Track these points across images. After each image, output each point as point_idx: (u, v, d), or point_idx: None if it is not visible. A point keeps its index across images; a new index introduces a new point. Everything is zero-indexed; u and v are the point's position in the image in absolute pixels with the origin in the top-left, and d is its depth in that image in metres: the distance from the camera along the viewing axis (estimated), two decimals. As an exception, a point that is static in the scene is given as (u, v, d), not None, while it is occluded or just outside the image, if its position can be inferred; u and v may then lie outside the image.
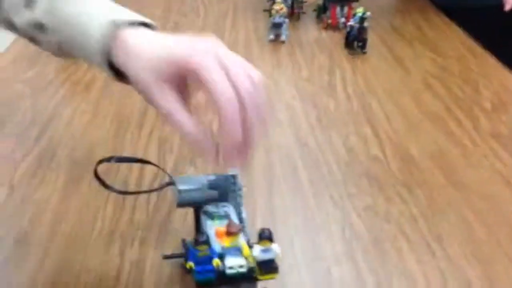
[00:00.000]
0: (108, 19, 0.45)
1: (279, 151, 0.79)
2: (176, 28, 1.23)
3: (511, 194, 0.71)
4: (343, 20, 1.19)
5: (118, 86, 0.51)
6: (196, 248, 0.47)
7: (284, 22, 1.14)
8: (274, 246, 0.47)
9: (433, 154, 0.80)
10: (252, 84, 0.44)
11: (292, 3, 1.25)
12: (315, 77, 1.02)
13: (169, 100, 0.44)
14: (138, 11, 0.49)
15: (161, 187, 0.55)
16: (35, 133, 0.82)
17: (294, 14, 1.26)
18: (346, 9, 1.19)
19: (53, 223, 0.64)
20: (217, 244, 0.48)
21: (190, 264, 0.47)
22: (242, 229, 0.50)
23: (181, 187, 0.52)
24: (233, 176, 0.54)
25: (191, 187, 0.52)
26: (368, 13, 1.07)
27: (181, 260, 0.54)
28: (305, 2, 1.29)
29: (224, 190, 0.54)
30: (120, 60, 0.45)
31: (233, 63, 0.44)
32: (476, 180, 0.74)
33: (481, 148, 0.81)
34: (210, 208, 0.53)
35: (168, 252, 0.56)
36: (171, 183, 0.53)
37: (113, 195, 0.66)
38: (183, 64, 0.43)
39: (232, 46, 1.10)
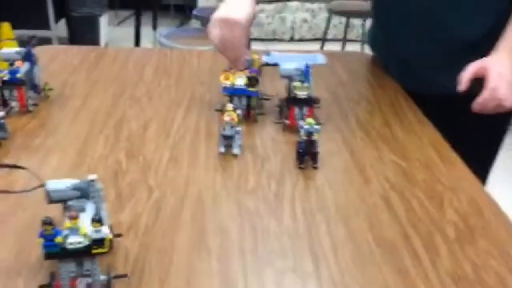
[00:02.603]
0: None
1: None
2: (122, 118, 1.12)
3: None
4: (301, 122, 1.01)
5: None
6: (43, 228, 0.61)
7: (236, 133, 0.99)
8: (104, 228, 0.62)
9: (380, 304, 0.68)
10: None
11: (248, 104, 1.11)
12: (262, 189, 0.91)
13: None
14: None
15: (34, 188, 0.74)
16: None
17: (250, 116, 1.13)
18: (305, 111, 1.09)
19: None
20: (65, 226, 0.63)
21: (39, 240, 0.61)
22: (78, 216, 0.63)
23: (51, 188, 0.68)
24: (92, 181, 0.69)
25: (59, 188, 0.68)
26: (317, 127, 0.96)
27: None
28: (268, 99, 1.17)
29: (85, 191, 0.69)
30: None
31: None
32: None
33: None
34: (72, 203, 0.69)
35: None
36: (43, 185, 0.68)
37: None
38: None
39: (178, 142, 1.01)
